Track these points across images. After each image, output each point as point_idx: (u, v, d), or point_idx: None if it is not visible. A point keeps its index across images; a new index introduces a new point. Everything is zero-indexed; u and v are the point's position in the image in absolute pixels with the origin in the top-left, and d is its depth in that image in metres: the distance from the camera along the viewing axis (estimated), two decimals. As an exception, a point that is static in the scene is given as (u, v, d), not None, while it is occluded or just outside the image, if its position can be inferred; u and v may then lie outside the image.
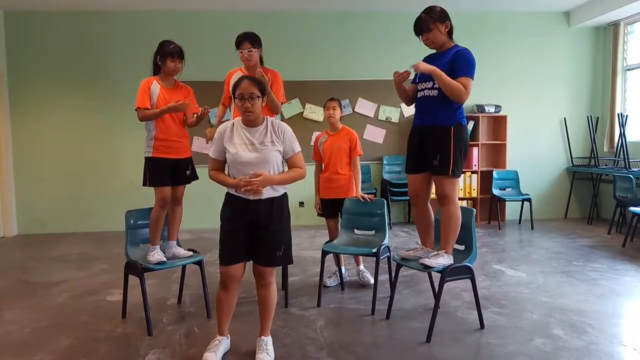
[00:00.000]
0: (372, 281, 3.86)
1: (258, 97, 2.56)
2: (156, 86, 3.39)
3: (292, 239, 2.73)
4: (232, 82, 3.32)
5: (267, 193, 2.58)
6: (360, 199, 3.78)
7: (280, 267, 3.62)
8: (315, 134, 6.72)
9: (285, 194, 2.70)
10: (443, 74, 2.90)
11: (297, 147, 2.67)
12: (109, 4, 6.36)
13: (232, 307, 2.74)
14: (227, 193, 2.67)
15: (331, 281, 4.01)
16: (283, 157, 2.66)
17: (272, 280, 2.68)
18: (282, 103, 3.65)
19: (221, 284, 2.67)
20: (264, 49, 3.62)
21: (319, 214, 4.08)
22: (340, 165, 3.91)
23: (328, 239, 3.97)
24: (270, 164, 2.57)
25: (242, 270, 2.66)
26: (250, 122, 2.61)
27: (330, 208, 3.97)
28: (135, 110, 3.38)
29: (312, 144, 4.21)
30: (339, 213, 3.94)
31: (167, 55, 3.35)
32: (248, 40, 3.50)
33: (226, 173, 2.68)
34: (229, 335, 2.81)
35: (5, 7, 6.38)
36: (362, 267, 4.06)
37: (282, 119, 6.47)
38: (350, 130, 4.00)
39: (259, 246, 2.61)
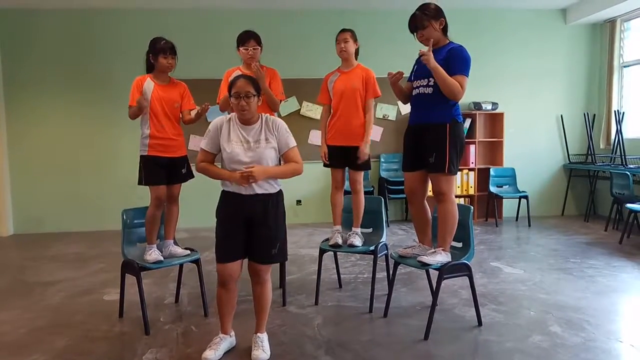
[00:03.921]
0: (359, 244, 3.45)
1: (254, 95, 2.57)
2: (150, 83, 3.38)
3: (286, 236, 2.73)
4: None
5: (263, 187, 2.58)
6: (363, 152, 3.36)
7: (277, 264, 3.61)
8: (313, 132, 6.75)
9: (280, 191, 2.69)
10: (444, 72, 2.89)
11: (293, 142, 2.68)
12: (106, 3, 6.32)
13: (233, 304, 2.75)
14: (223, 191, 2.66)
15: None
16: (279, 153, 2.66)
17: (267, 278, 2.69)
18: (280, 100, 3.65)
19: (220, 283, 2.67)
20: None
21: (325, 164, 3.59)
22: (353, 110, 3.41)
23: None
24: (264, 162, 2.57)
25: (239, 267, 2.66)
26: (246, 120, 2.61)
27: (339, 157, 3.47)
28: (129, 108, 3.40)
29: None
30: (349, 163, 3.46)
31: (159, 52, 3.35)
32: (253, 38, 3.54)
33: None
34: (233, 334, 2.80)
35: (1, 5, 6.33)
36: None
37: (279, 117, 6.43)
38: (366, 68, 3.48)
39: (255, 243, 2.61)
